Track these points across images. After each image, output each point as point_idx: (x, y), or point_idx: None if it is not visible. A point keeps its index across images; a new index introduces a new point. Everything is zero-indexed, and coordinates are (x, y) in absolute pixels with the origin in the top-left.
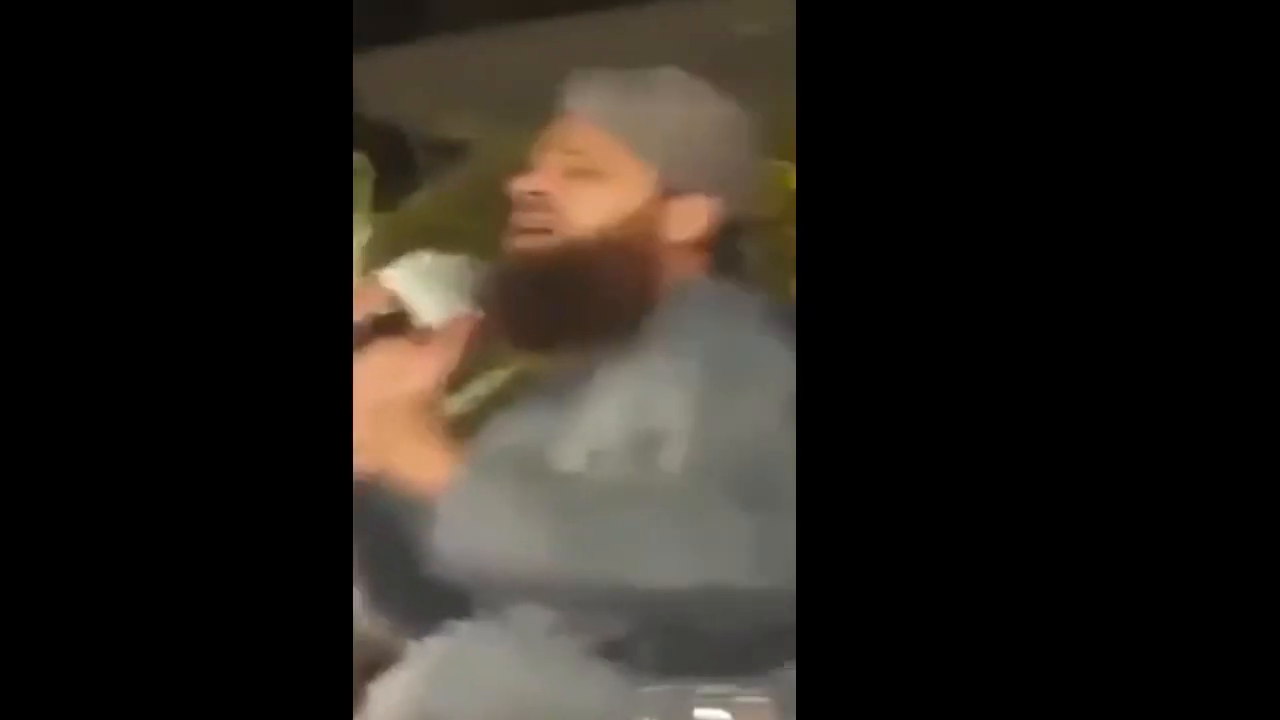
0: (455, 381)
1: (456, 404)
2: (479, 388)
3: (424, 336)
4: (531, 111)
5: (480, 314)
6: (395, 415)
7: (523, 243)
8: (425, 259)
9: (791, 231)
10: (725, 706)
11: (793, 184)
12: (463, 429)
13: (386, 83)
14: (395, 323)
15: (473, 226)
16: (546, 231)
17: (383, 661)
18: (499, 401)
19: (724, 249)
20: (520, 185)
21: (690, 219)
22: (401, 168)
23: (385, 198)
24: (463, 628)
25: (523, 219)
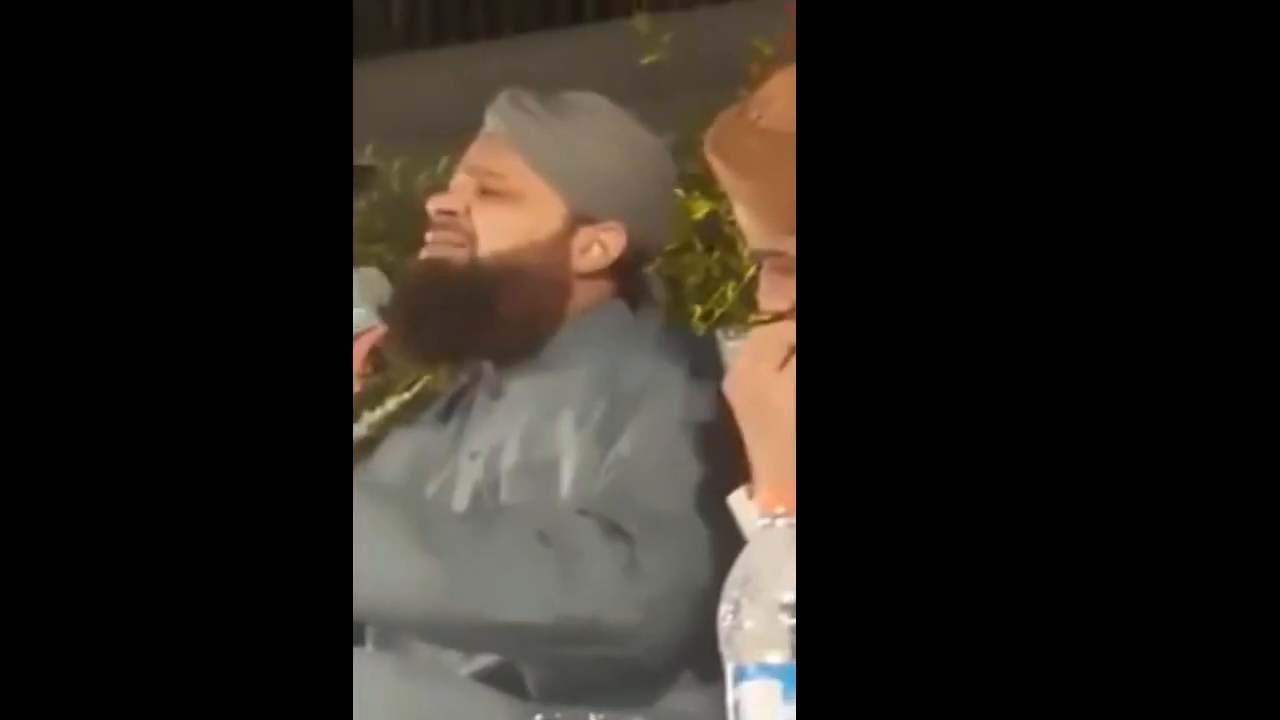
0: (363, 400)
1: (363, 426)
2: (385, 409)
3: None
4: (441, 138)
5: (383, 327)
6: None
7: (431, 258)
8: None
9: (689, 260)
10: None
11: (697, 213)
12: (364, 451)
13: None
14: None
15: (378, 249)
16: (457, 248)
17: None
18: (397, 421)
19: (629, 276)
20: (434, 204)
21: (599, 248)
22: None
23: None
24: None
25: (434, 236)
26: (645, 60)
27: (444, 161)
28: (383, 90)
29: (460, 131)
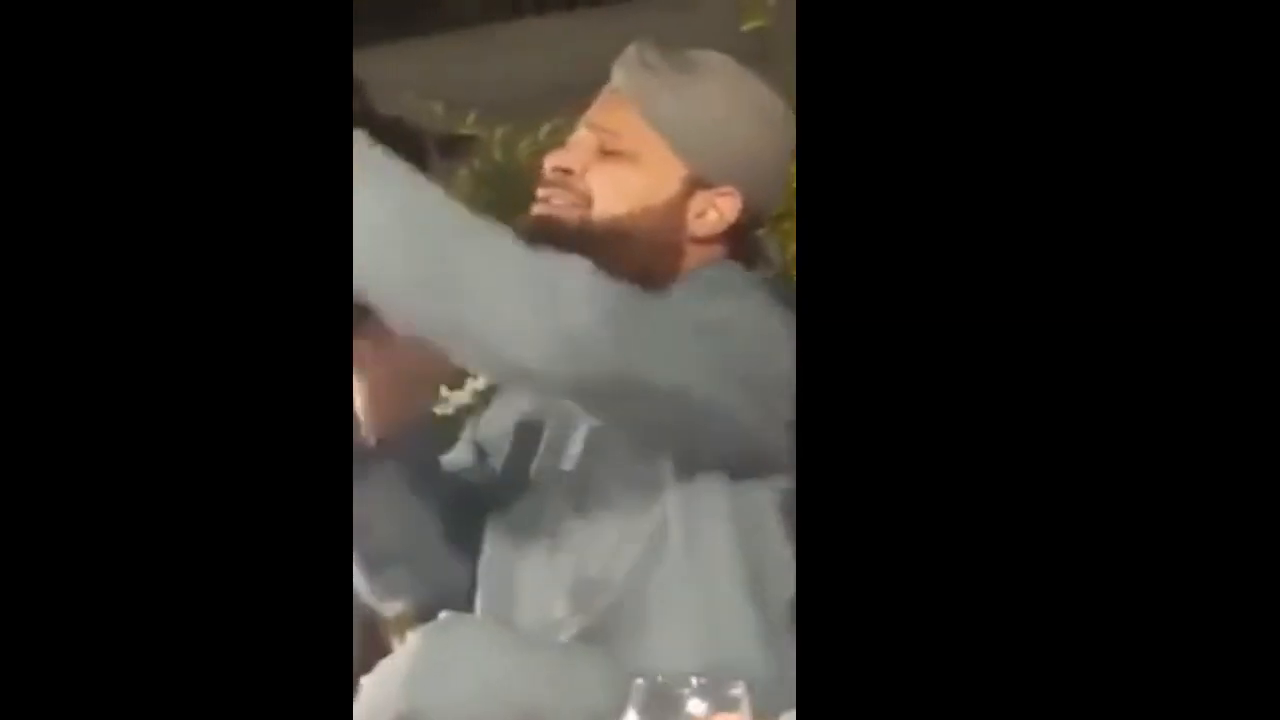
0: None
1: (465, 394)
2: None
3: None
4: (543, 105)
5: None
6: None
7: (542, 215)
8: None
9: (790, 226)
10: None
11: None
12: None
13: (395, 80)
14: None
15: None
16: (571, 208)
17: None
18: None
19: (742, 240)
20: (551, 160)
21: (714, 213)
22: (416, 162)
23: None
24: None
25: (547, 193)
26: (747, 26)
27: (546, 128)
28: (483, 59)
29: (562, 99)
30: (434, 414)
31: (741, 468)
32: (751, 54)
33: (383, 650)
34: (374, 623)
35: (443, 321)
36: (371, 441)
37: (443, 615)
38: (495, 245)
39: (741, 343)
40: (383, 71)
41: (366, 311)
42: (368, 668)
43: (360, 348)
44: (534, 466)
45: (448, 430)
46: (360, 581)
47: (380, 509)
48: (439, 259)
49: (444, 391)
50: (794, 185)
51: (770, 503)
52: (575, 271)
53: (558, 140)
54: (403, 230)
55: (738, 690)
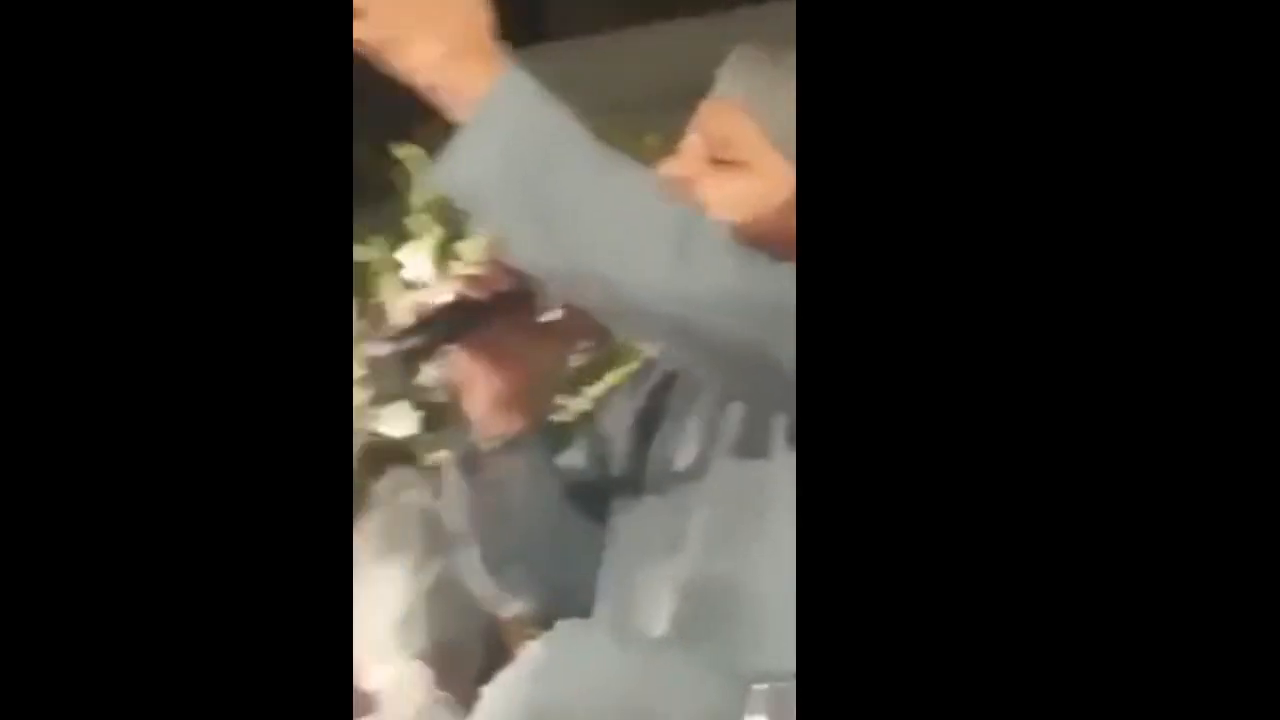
0: (581, 374)
1: (585, 400)
2: (604, 383)
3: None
4: (645, 113)
5: None
6: None
7: None
8: None
9: None
10: None
11: None
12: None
13: None
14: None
15: None
16: None
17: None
18: (618, 391)
19: None
20: (663, 170)
21: None
22: None
23: None
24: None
25: None
26: None
27: (650, 138)
28: (586, 70)
29: (668, 107)
30: (550, 421)
31: None
32: None
33: (503, 653)
34: (494, 627)
35: (570, 259)
36: (492, 445)
37: (560, 624)
38: (634, 185)
39: None
40: None
41: (487, 312)
42: (489, 673)
43: (480, 353)
44: (650, 467)
45: (565, 434)
46: (480, 584)
47: (499, 511)
48: (574, 192)
49: (560, 399)
50: None
51: None
52: (714, 228)
53: (667, 149)
54: (537, 160)
55: None
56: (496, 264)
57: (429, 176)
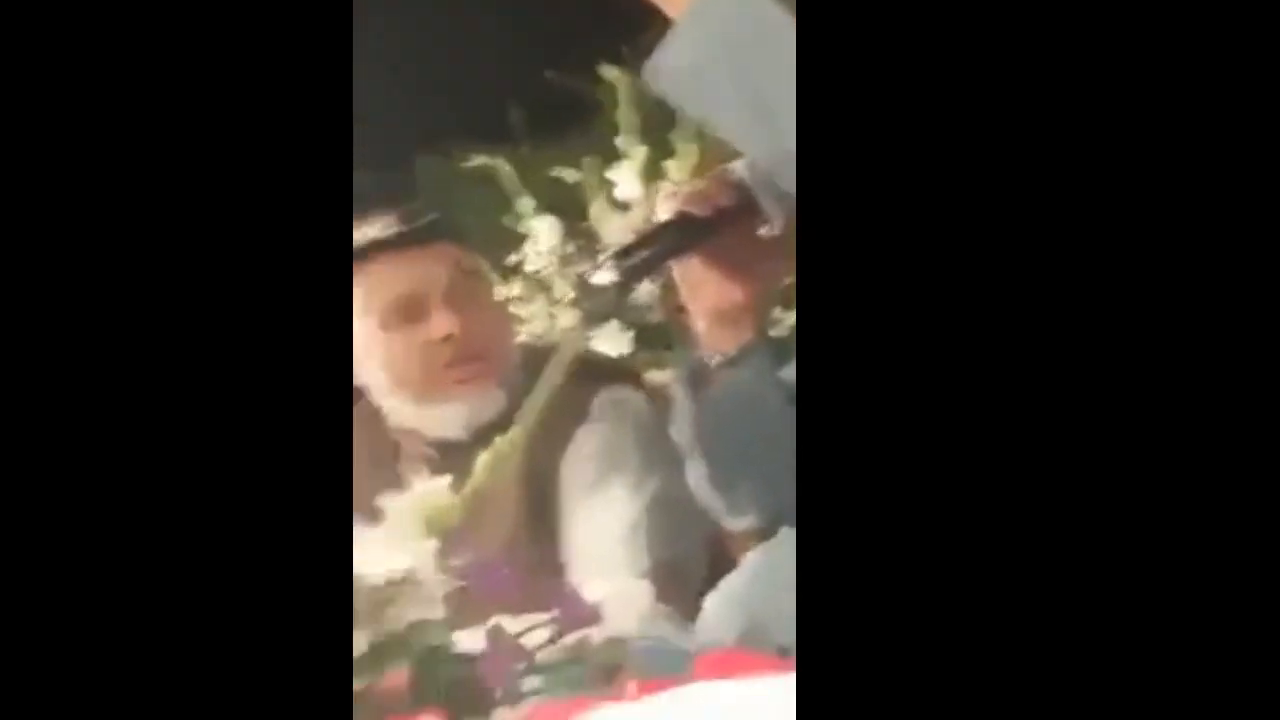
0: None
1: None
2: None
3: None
4: None
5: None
6: None
7: None
8: None
9: None
10: None
11: None
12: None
13: None
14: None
15: None
16: None
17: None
18: None
19: None
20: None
21: None
22: None
23: None
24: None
25: None
26: None
27: None
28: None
29: None
30: (769, 336)
31: None
32: None
33: (727, 565)
34: (720, 538)
35: (782, 147)
36: (718, 359)
37: (784, 530)
38: None
39: None
40: None
41: (711, 227)
42: (713, 582)
43: (707, 268)
44: None
45: (786, 347)
46: (709, 498)
47: (725, 426)
48: (785, 80)
49: (777, 313)
50: None
51: None
52: None
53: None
54: (748, 51)
55: None
56: (718, 179)
57: (641, 76)
